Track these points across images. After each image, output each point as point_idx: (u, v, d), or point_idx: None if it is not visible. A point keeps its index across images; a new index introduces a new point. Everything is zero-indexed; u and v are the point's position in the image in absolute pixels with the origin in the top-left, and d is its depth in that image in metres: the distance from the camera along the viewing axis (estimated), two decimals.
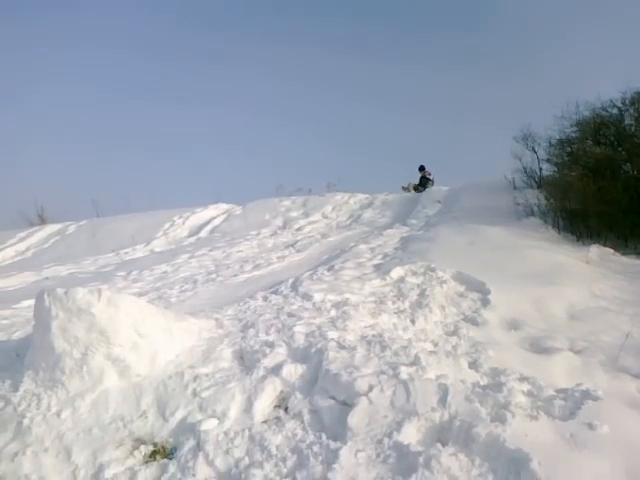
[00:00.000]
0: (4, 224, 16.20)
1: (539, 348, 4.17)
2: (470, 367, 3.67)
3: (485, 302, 5.09)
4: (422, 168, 16.45)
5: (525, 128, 11.49)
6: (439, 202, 12.22)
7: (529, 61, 58.97)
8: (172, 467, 2.92)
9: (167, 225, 13.53)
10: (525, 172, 11.59)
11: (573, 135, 10.37)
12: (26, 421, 3.33)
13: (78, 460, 3.06)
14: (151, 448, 3.12)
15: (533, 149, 11.43)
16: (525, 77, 56.24)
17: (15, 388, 3.67)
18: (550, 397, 3.08)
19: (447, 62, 63.73)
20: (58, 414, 3.39)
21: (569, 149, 10.39)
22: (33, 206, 17.17)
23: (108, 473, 2.94)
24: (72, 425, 3.31)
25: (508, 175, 11.86)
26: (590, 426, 2.72)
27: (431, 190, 14.64)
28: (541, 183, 10.94)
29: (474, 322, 4.69)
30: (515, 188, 11.32)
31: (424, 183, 15.99)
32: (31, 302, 5.26)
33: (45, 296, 3.90)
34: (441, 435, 2.80)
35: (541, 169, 11.41)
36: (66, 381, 3.61)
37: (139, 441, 3.17)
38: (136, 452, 3.08)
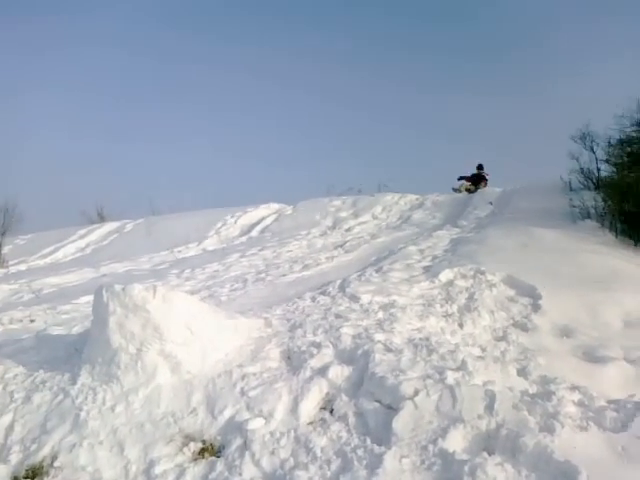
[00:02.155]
0: (67, 221, 16.93)
1: (592, 357, 4.05)
2: (519, 374, 3.61)
3: (536, 307, 4.98)
4: (480, 167, 16.20)
5: (584, 127, 11.13)
6: (491, 203, 11.98)
7: (589, 59, 57.02)
8: (220, 465, 3.00)
9: (219, 224, 13.79)
10: (582, 173, 11.19)
11: (633, 135, 9.98)
12: (83, 414, 3.49)
13: (130, 455, 3.18)
14: (200, 445, 3.21)
15: (592, 149, 11.04)
16: (586, 75, 54.35)
17: (73, 381, 3.84)
18: (601, 408, 3.00)
19: (501, 60, 62.34)
20: (112, 408, 3.53)
21: (629, 149, 10.00)
22: (94, 204, 17.87)
23: (158, 469, 3.05)
24: (125, 420, 3.44)
25: (564, 176, 11.53)
26: None
27: (483, 191, 14.37)
28: (599, 184, 10.55)
29: (524, 328, 4.60)
30: (571, 189, 10.96)
31: (477, 180, 15.74)
32: (90, 298, 5.47)
33: (104, 292, 4.05)
34: (487, 444, 2.77)
35: (599, 169, 11.00)
36: (121, 376, 3.75)
37: (188, 438, 3.27)
38: (185, 449, 3.18)
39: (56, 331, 5.17)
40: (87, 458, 3.18)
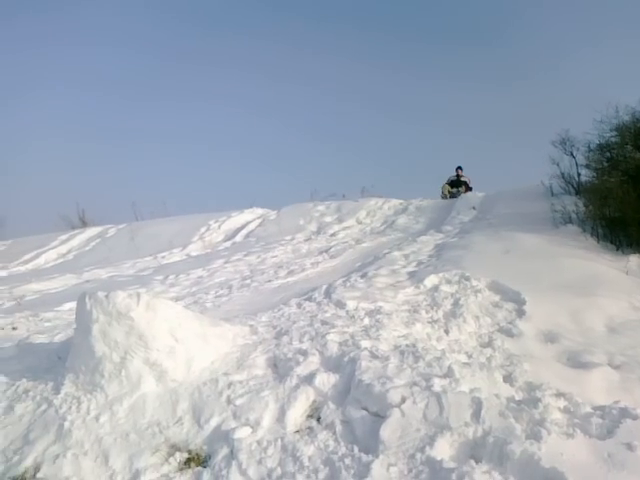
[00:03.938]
0: (47, 227, 16.71)
1: (576, 362, 4.10)
2: (505, 381, 3.64)
3: (520, 313, 5.01)
4: (459, 168, 16.22)
5: (564, 132, 11.27)
6: (474, 208, 12.04)
7: (568, 64, 57.74)
8: (206, 475, 2.97)
9: (203, 229, 13.72)
10: (563, 178, 11.29)
11: (613, 140, 10.10)
12: (67, 424, 3.43)
13: (115, 465, 3.14)
14: (186, 455, 3.18)
15: (572, 154, 11.15)
16: (565, 81, 55.01)
17: (57, 390, 3.78)
18: (587, 414, 3.01)
19: (482, 69, 62.88)
20: (97, 418, 3.48)
21: (608, 154, 10.12)
22: (75, 209, 17.64)
23: (144, 479, 3.01)
24: (110, 429, 3.40)
25: (545, 181, 11.65)
26: (629, 446, 2.64)
27: (466, 196, 14.46)
28: (579, 189, 10.68)
29: (509, 333, 4.63)
30: (552, 194, 11.05)
31: (456, 184, 15.79)
32: (72, 305, 5.41)
33: (87, 299, 3.99)
34: (474, 451, 2.77)
35: (579, 175, 11.11)
36: (105, 385, 3.70)
37: (174, 448, 3.23)
38: (171, 459, 3.14)
39: (39, 339, 5.08)
40: (71, 469, 3.13)
